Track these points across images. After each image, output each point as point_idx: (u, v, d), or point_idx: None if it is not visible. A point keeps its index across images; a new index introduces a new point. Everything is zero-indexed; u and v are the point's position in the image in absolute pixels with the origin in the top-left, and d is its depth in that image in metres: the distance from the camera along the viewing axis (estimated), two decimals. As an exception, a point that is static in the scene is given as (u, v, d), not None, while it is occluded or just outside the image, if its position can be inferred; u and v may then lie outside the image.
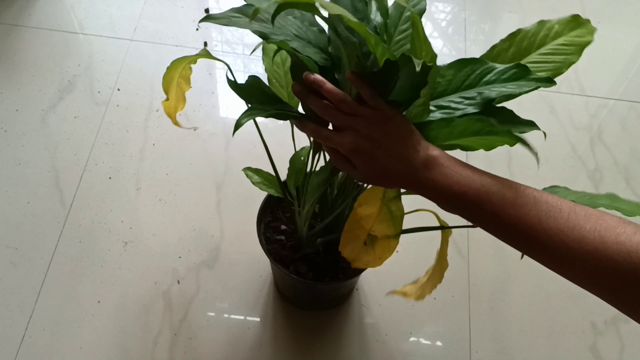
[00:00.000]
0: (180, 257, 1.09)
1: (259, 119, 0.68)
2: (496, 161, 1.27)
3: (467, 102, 0.57)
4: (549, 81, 0.54)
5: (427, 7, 1.00)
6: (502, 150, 1.24)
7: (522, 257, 0.65)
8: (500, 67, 0.57)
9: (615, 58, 1.47)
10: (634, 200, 1.22)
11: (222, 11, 0.55)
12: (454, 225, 0.71)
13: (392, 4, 0.71)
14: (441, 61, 0.60)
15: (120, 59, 1.36)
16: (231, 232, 1.12)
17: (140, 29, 1.42)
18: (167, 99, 0.70)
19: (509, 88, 0.55)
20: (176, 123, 0.71)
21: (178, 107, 0.71)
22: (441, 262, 0.73)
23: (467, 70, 0.58)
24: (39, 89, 1.29)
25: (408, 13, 0.69)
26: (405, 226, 0.64)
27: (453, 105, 0.58)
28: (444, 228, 0.72)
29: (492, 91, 0.55)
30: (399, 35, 0.67)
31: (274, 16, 0.49)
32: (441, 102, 0.59)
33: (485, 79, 0.57)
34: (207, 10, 1.47)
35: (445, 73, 0.60)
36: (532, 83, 0.54)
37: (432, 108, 0.59)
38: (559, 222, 0.46)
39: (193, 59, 0.68)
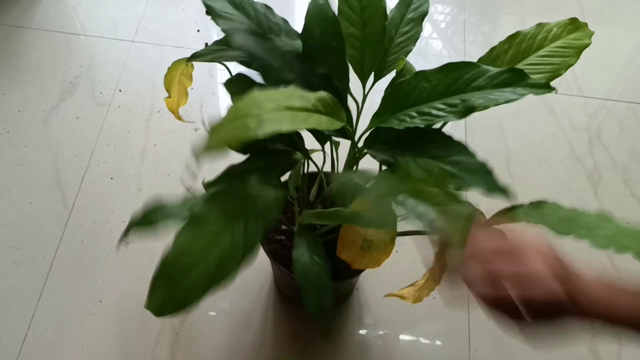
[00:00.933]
0: (181, 257, 1.09)
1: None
2: (495, 162, 1.27)
3: (449, 109, 0.55)
4: (546, 87, 0.52)
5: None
6: (501, 149, 1.24)
7: None
8: (491, 71, 0.55)
9: (614, 59, 1.47)
10: (633, 201, 1.22)
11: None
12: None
13: (395, 6, 0.72)
14: (441, 62, 0.60)
15: (122, 60, 1.37)
16: (232, 232, 1.13)
17: (141, 30, 1.42)
18: (170, 96, 0.72)
19: (497, 95, 0.52)
20: (179, 118, 0.73)
21: (180, 102, 0.73)
22: (439, 263, 0.73)
23: (455, 75, 0.57)
24: (41, 90, 1.30)
25: (410, 15, 0.69)
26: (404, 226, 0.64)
27: (434, 112, 0.57)
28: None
29: (476, 99, 0.53)
30: (400, 37, 0.68)
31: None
32: (424, 107, 0.58)
33: (475, 84, 0.55)
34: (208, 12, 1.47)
35: (432, 78, 0.58)
36: (527, 89, 0.52)
37: (413, 114, 0.58)
38: None
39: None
